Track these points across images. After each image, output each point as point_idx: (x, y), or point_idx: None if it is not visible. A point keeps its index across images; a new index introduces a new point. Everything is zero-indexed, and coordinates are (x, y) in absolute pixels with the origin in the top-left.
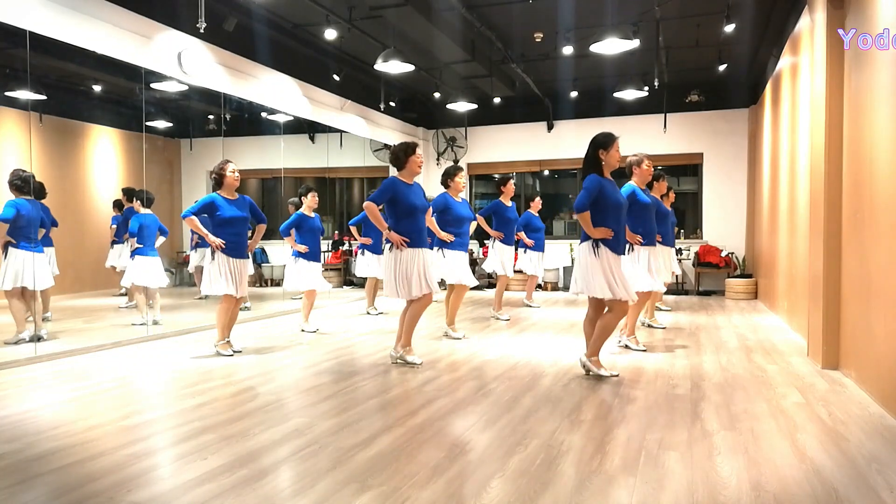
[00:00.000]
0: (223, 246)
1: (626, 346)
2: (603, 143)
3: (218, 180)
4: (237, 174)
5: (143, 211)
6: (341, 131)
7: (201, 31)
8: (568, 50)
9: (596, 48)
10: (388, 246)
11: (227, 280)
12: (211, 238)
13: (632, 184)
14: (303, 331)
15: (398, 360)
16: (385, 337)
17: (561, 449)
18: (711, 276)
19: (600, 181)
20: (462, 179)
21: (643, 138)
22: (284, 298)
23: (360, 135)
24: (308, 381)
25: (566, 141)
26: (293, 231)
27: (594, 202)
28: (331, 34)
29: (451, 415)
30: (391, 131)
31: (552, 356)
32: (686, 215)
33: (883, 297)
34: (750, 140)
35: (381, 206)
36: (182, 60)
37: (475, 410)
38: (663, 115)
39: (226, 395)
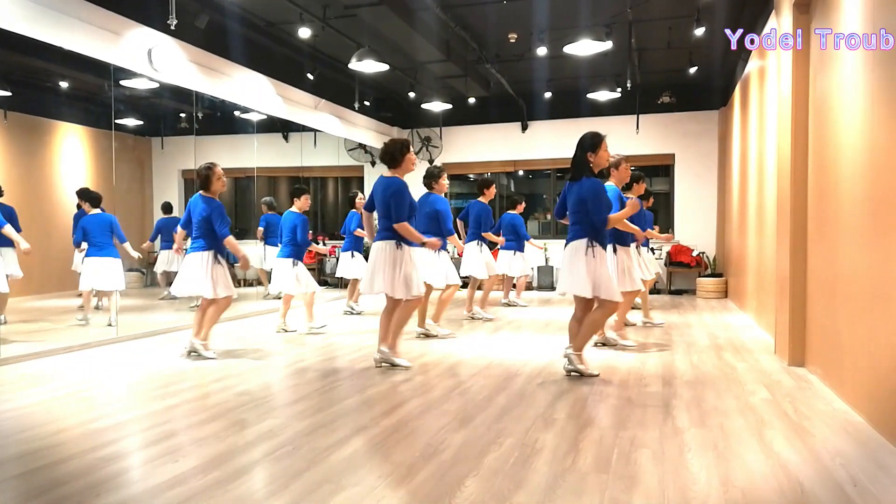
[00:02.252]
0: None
1: (614, 343)
2: (591, 145)
3: (205, 184)
4: (224, 180)
5: (92, 211)
6: (315, 130)
7: (172, 27)
8: (542, 51)
9: (569, 49)
10: (392, 244)
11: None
12: (243, 254)
13: (613, 185)
14: (311, 330)
15: (383, 364)
16: (361, 337)
17: (535, 447)
18: (683, 275)
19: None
20: (446, 180)
21: (616, 139)
22: (258, 299)
23: (335, 134)
24: (282, 381)
25: (540, 141)
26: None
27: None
28: (305, 33)
29: (425, 414)
30: (366, 131)
31: (526, 355)
32: (658, 215)
33: (847, 296)
34: (720, 141)
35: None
36: (152, 57)
37: (450, 410)
38: (636, 116)
39: (198, 397)
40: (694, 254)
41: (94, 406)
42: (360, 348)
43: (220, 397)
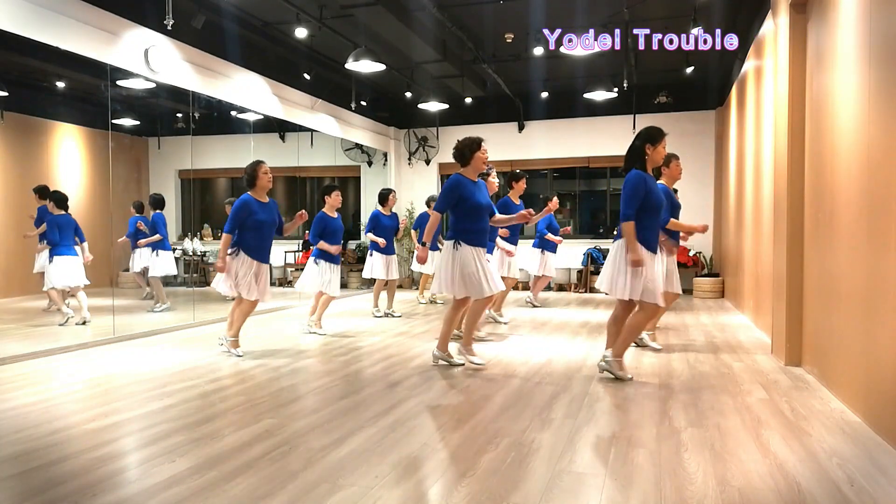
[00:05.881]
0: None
1: (644, 345)
2: (651, 136)
3: (250, 181)
4: (270, 175)
5: (58, 212)
6: (312, 130)
7: (169, 27)
8: (538, 51)
9: (566, 49)
10: (450, 243)
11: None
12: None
13: (664, 184)
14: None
15: (443, 361)
16: (357, 337)
17: (531, 447)
18: (679, 275)
19: (645, 178)
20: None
21: (613, 139)
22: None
23: (331, 134)
24: (279, 381)
25: (537, 141)
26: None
27: (643, 201)
28: (301, 33)
29: (422, 414)
30: (362, 131)
31: (523, 355)
32: None
33: (843, 297)
34: (717, 141)
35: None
36: (149, 58)
37: (446, 410)
38: (632, 116)
39: (195, 397)
40: (691, 253)
41: (91, 406)
42: (355, 348)
43: (218, 397)
